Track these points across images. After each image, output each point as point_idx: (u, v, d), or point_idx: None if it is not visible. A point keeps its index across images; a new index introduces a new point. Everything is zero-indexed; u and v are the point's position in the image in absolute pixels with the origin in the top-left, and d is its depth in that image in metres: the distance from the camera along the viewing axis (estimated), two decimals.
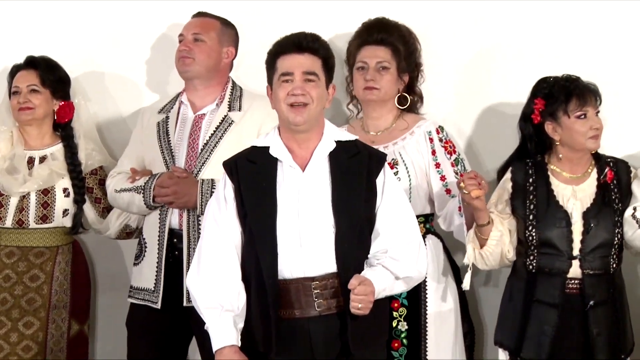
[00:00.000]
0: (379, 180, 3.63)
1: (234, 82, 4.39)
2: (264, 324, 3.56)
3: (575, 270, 3.98)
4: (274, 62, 3.62)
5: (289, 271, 3.56)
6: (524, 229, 4.03)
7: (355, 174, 3.61)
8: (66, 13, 4.75)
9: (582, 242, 3.98)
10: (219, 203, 3.64)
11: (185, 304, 4.19)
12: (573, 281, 3.99)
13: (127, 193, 4.32)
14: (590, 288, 3.97)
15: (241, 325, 3.59)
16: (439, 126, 4.29)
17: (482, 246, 4.04)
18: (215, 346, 3.56)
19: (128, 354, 4.36)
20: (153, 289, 4.26)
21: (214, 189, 4.17)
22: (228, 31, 4.38)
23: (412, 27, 4.43)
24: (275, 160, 3.61)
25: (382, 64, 4.28)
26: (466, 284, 4.12)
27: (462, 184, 3.92)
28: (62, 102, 4.53)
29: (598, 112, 4.03)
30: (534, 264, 4.02)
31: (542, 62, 4.47)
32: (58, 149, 4.52)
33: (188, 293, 4.15)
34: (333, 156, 3.62)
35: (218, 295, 3.57)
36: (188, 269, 4.09)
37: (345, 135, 3.70)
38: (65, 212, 4.47)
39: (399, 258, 3.59)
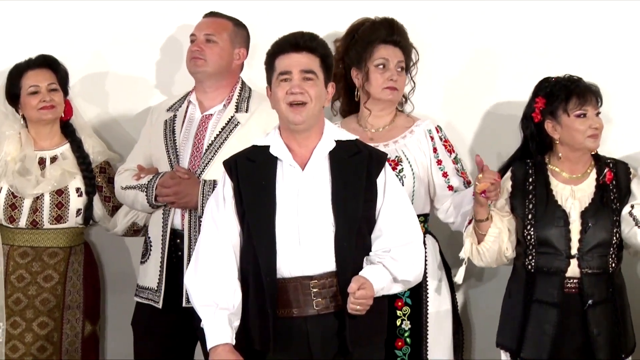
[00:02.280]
0: (379, 181, 3.67)
1: (243, 83, 4.44)
2: (261, 322, 3.61)
3: (573, 270, 4.04)
4: (273, 62, 3.67)
5: (287, 270, 3.61)
6: (522, 228, 4.10)
7: (355, 174, 3.65)
8: (73, 13, 4.81)
9: (580, 241, 4.03)
10: (218, 202, 3.69)
11: (184, 304, 4.26)
12: (572, 280, 4.04)
13: (132, 190, 4.39)
14: (589, 287, 4.02)
15: (237, 323, 3.66)
16: (438, 125, 4.38)
17: (479, 242, 4.11)
18: (209, 344, 3.61)
19: (135, 354, 4.46)
20: (156, 288, 4.33)
21: None
22: (240, 32, 4.42)
23: (408, 27, 4.47)
24: (275, 159, 3.67)
25: (401, 65, 4.35)
26: (459, 278, 4.18)
27: (480, 175, 3.97)
28: (66, 100, 4.61)
29: (599, 112, 4.09)
30: (533, 264, 4.08)
31: (540, 63, 4.52)
32: (67, 148, 4.60)
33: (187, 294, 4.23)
34: (333, 155, 3.67)
35: (213, 293, 3.63)
36: None
37: (346, 134, 3.75)
38: (78, 212, 4.56)
39: (399, 259, 3.64)
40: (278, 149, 3.67)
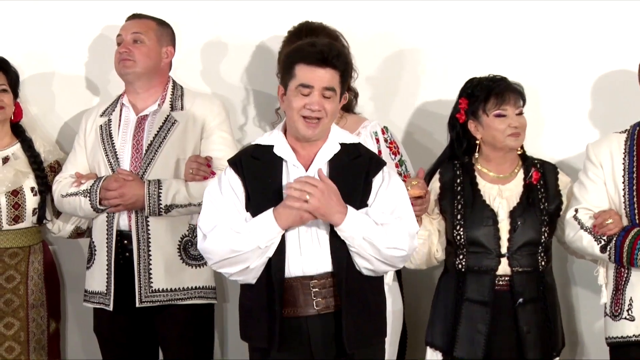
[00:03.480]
0: (375, 181, 3.68)
1: (174, 82, 4.51)
2: (269, 320, 3.64)
3: (504, 268, 4.12)
4: (292, 68, 3.64)
5: (288, 270, 3.65)
6: (452, 229, 4.18)
7: (354, 176, 3.68)
8: (15, 13, 4.87)
9: (509, 240, 4.12)
10: (223, 190, 3.69)
11: (137, 305, 4.33)
12: (502, 278, 4.13)
13: (74, 197, 4.44)
14: (520, 285, 4.11)
15: None
16: (384, 126, 4.41)
17: None
18: (270, 217, 3.59)
19: (103, 358, 4.55)
20: (105, 291, 4.38)
21: (161, 189, 4.33)
22: (165, 31, 4.49)
23: (339, 27, 4.52)
24: (280, 159, 3.69)
25: None
26: (389, 279, 4.25)
27: (414, 182, 4.07)
28: (16, 102, 4.66)
29: (521, 112, 4.16)
30: (464, 263, 4.17)
31: (473, 62, 4.60)
32: (17, 148, 4.64)
33: (140, 294, 4.35)
34: (335, 158, 3.70)
35: (232, 223, 3.63)
36: (139, 270, 4.33)
37: (349, 137, 3.77)
38: (34, 211, 4.62)
39: (386, 223, 3.63)
40: (282, 149, 3.69)
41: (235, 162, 3.71)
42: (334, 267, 3.63)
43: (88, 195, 4.38)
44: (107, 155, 4.42)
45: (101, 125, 4.46)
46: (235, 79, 4.76)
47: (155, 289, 4.35)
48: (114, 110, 4.48)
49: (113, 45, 4.49)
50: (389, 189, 3.68)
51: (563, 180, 4.22)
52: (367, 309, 3.67)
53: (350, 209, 3.59)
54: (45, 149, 4.66)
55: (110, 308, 4.36)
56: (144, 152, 4.37)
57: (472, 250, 4.15)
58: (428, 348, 4.25)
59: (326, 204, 3.57)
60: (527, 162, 4.20)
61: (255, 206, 3.64)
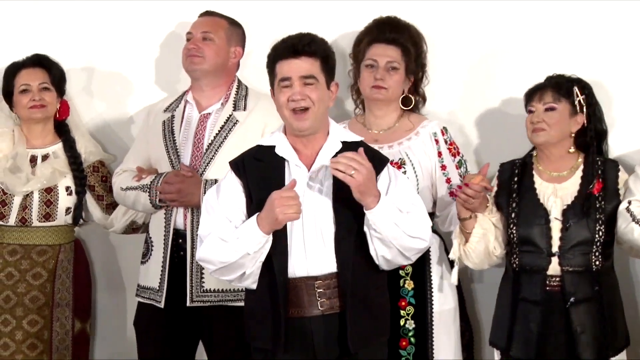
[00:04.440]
0: (381, 178, 3.67)
1: (239, 82, 4.53)
2: (273, 321, 3.64)
3: (554, 268, 4.11)
4: (273, 67, 3.70)
5: (293, 270, 3.65)
6: (507, 227, 4.19)
7: None
8: (71, 12, 4.88)
9: (561, 239, 4.11)
10: (220, 198, 3.69)
11: (188, 303, 4.34)
12: (554, 278, 4.12)
13: (133, 191, 4.45)
14: (571, 285, 4.09)
15: None
16: (444, 127, 4.41)
17: (466, 242, 4.19)
18: (254, 225, 3.58)
19: (138, 354, 4.51)
20: (158, 288, 4.39)
21: None
22: (236, 30, 4.51)
23: (417, 27, 4.54)
24: (282, 159, 3.71)
25: (392, 64, 4.36)
26: (454, 279, 4.26)
27: (477, 177, 4.07)
28: (62, 100, 4.65)
29: (550, 108, 4.15)
30: (517, 262, 4.17)
31: (545, 62, 4.56)
32: (59, 147, 4.67)
33: (192, 293, 4.34)
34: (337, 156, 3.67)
35: (222, 232, 3.64)
36: (192, 269, 4.31)
37: (351, 136, 3.79)
38: (67, 211, 4.63)
39: (410, 211, 3.64)
40: (284, 149, 3.71)
41: (237, 164, 3.73)
42: (339, 267, 3.64)
43: (148, 190, 4.39)
44: (168, 151, 4.43)
45: (164, 121, 4.48)
46: None
47: (206, 289, 4.33)
48: (177, 107, 4.50)
49: (183, 42, 4.52)
50: (397, 186, 3.69)
51: (623, 177, 4.20)
52: (370, 308, 3.67)
53: (382, 194, 3.59)
54: (87, 149, 4.68)
55: (162, 305, 4.36)
56: (205, 150, 4.38)
57: (525, 249, 4.14)
58: (494, 349, 4.25)
59: (367, 183, 3.57)
60: (588, 162, 4.18)
61: (257, 208, 3.64)
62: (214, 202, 3.70)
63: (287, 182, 3.66)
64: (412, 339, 4.29)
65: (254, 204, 3.65)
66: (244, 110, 4.42)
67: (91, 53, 4.86)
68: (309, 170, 3.68)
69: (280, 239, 3.63)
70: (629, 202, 4.08)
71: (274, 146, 3.72)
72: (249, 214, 3.66)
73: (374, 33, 4.45)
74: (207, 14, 4.51)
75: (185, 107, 4.47)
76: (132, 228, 4.63)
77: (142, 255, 4.49)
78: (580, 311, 4.08)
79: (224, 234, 3.62)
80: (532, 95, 4.18)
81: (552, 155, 4.19)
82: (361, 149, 3.61)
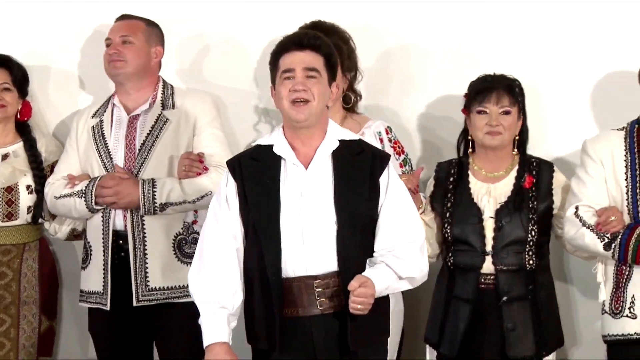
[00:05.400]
0: (382, 179, 3.70)
1: (164, 81, 4.58)
2: (267, 322, 3.66)
3: (488, 266, 4.17)
4: (277, 61, 3.71)
5: (291, 269, 3.65)
6: (441, 226, 4.24)
7: (358, 173, 3.70)
8: (10, 11, 4.91)
9: (494, 238, 4.16)
10: (220, 202, 3.73)
11: (135, 304, 4.37)
12: (487, 277, 4.17)
13: (68, 198, 4.49)
14: (504, 284, 4.15)
15: (234, 324, 3.69)
16: (388, 126, 4.45)
17: None
18: (206, 341, 3.66)
19: (97, 358, 4.58)
20: (102, 291, 4.42)
21: (155, 187, 4.39)
22: (154, 31, 4.56)
23: (346, 26, 4.54)
24: (278, 159, 3.71)
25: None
26: None
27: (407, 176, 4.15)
28: (24, 101, 4.71)
29: (506, 111, 4.18)
30: (452, 261, 4.23)
31: (481, 61, 4.58)
32: (19, 146, 4.71)
33: (137, 293, 4.40)
34: (336, 155, 3.71)
35: (215, 292, 3.68)
36: (135, 269, 4.38)
37: (349, 134, 3.79)
38: (29, 209, 4.68)
39: (403, 256, 3.67)
40: (281, 148, 3.71)
41: (234, 165, 3.75)
42: (340, 267, 3.64)
43: (83, 195, 4.42)
44: (100, 155, 4.47)
45: (93, 127, 4.53)
46: (247, 78, 4.81)
47: (152, 288, 4.39)
48: (105, 111, 4.55)
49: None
50: (395, 191, 3.71)
51: (558, 178, 4.26)
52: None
53: (370, 276, 3.60)
54: (48, 149, 4.72)
55: (108, 308, 4.40)
56: (137, 151, 4.43)
57: (459, 248, 4.20)
58: (427, 346, 4.31)
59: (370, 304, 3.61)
60: (524, 161, 4.23)
61: (252, 209, 3.67)
62: (217, 209, 3.73)
63: (282, 181, 3.68)
64: None
65: (249, 204, 3.68)
66: (173, 108, 4.47)
67: (46, 51, 4.91)
68: (306, 169, 3.70)
69: (273, 239, 3.65)
70: (577, 208, 4.09)
71: (272, 145, 3.73)
72: (242, 215, 3.69)
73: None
74: (124, 17, 4.55)
75: (113, 110, 4.51)
76: (74, 235, 4.65)
77: (82, 260, 4.53)
78: (512, 309, 4.14)
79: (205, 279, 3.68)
80: (486, 96, 4.18)
81: (495, 156, 4.23)
82: (354, 283, 3.57)
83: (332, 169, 3.69)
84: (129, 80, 4.48)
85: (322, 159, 3.70)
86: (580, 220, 4.06)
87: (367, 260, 3.67)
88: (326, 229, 3.65)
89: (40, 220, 4.66)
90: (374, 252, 3.69)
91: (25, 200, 4.60)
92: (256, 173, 3.70)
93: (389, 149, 4.35)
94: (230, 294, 3.67)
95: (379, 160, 3.72)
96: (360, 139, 3.80)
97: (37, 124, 4.77)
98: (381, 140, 4.37)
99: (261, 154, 3.73)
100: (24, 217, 4.61)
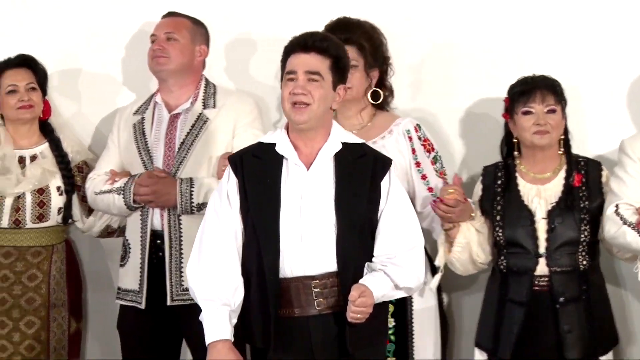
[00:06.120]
0: (383, 184, 3.73)
1: (207, 80, 4.57)
2: (264, 320, 3.67)
3: (542, 268, 4.18)
4: (285, 61, 3.73)
5: (289, 269, 3.67)
6: (493, 230, 4.25)
7: (359, 176, 3.71)
8: (43, 12, 4.87)
9: (547, 240, 4.17)
10: (222, 197, 3.75)
11: (169, 303, 4.39)
12: (542, 279, 4.18)
13: (107, 195, 4.50)
14: (559, 285, 4.16)
15: (234, 321, 3.69)
16: (417, 124, 4.42)
17: (451, 249, 4.27)
18: (208, 339, 3.67)
19: (122, 356, 4.58)
20: (138, 289, 4.44)
21: (193, 187, 4.39)
22: (199, 30, 4.56)
23: (377, 23, 4.52)
24: (280, 158, 3.73)
25: (350, 63, 4.32)
26: (434, 284, 4.31)
27: (450, 190, 4.13)
28: (45, 100, 4.71)
29: (551, 110, 4.20)
30: (505, 264, 4.23)
31: (519, 62, 4.62)
32: (46, 147, 4.70)
33: (172, 292, 4.41)
34: (338, 157, 3.73)
35: (216, 288, 3.68)
36: (171, 269, 4.38)
37: (353, 137, 3.81)
38: (59, 211, 4.68)
39: (402, 265, 3.69)
40: (284, 147, 3.72)
41: (235, 161, 3.76)
42: (339, 268, 3.66)
43: (122, 192, 4.43)
44: (140, 153, 4.48)
45: (134, 124, 4.53)
46: (270, 76, 4.76)
47: (186, 288, 4.36)
48: (147, 109, 4.55)
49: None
50: (396, 197, 3.72)
51: (607, 176, 4.27)
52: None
53: (368, 284, 3.61)
54: (73, 149, 4.72)
55: (143, 306, 4.41)
56: (177, 150, 4.43)
57: (512, 251, 4.21)
58: (476, 348, 4.32)
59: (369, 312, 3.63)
60: (571, 161, 4.25)
61: (252, 207, 3.69)
62: (218, 204, 3.74)
63: (283, 181, 3.69)
64: (392, 337, 4.30)
65: (249, 202, 3.69)
66: (214, 107, 4.47)
67: (67, 53, 4.88)
68: (307, 170, 3.70)
69: (271, 238, 3.66)
70: (617, 206, 4.10)
71: (275, 143, 3.74)
72: (242, 212, 3.70)
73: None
74: (170, 14, 4.55)
75: (154, 108, 4.52)
76: (108, 232, 4.67)
77: (121, 258, 4.54)
78: (568, 311, 4.15)
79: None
80: (530, 96, 4.19)
81: (543, 156, 4.24)
82: (354, 292, 3.58)
83: (333, 171, 3.70)
84: (171, 77, 4.48)
85: (324, 161, 3.72)
86: (621, 219, 4.07)
87: (366, 265, 3.68)
88: (325, 230, 3.66)
89: (69, 221, 4.66)
90: (373, 255, 3.70)
91: (56, 201, 4.60)
92: (258, 171, 3.71)
93: (418, 147, 4.36)
94: (231, 291, 3.67)
95: (380, 164, 3.74)
96: (363, 142, 3.82)
97: (59, 125, 4.75)
98: (410, 138, 4.36)
99: (263, 152, 3.74)
100: (54, 218, 4.61)
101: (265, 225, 3.67)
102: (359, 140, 3.81)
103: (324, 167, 3.71)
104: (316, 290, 3.65)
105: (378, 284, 3.64)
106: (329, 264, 3.66)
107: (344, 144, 3.74)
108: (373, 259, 3.70)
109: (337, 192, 3.68)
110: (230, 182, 3.73)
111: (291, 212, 3.67)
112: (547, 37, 4.64)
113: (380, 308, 3.72)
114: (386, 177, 3.73)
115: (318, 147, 3.72)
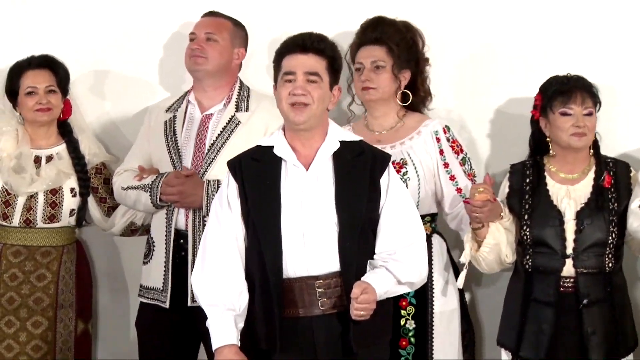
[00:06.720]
0: (383, 180, 3.76)
1: (241, 83, 4.58)
2: (268, 322, 3.69)
3: (569, 269, 4.18)
4: (280, 62, 3.77)
5: (292, 270, 3.69)
6: (519, 229, 4.24)
7: (359, 174, 3.74)
8: (74, 12, 4.89)
9: (575, 241, 4.17)
10: (222, 203, 3.78)
11: (189, 303, 4.38)
12: (567, 280, 4.18)
13: (134, 191, 4.49)
14: (585, 287, 4.16)
15: (241, 325, 3.73)
16: (446, 125, 4.44)
17: (478, 248, 4.23)
18: (215, 344, 3.70)
19: (139, 354, 4.57)
20: (162, 288, 4.44)
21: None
22: (239, 32, 4.56)
23: (415, 24, 4.55)
24: (279, 160, 3.76)
25: (377, 63, 4.41)
26: (460, 282, 4.33)
27: (480, 189, 4.11)
28: (65, 100, 4.71)
29: (589, 113, 4.21)
30: (530, 263, 4.23)
31: (548, 62, 4.63)
32: (63, 148, 4.71)
33: (193, 293, 4.32)
34: (337, 156, 3.76)
35: (220, 293, 3.72)
36: (192, 269, 4.24)
37: (350, 135, 3.85)
38: (72, 212, 4.68)
39: (403, 260, 3.72)
40: (282, 149, 3.76)
41: (234, 165, 3.78)
42: (342, 267, 3.68)
43: (149, 190, 4.42)
44: (169, 151, 4.47)
45: (166, 121, 4.52)
46: None
47: None
48: (179, 107, 4.54)
49: (179, 45, 4.56)
50: (395, 193, 3.74)
51: (636, 177, 4.27)
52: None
53: (371, 281, 3.63)
54: (91, 151, 4.71)
55: (167, 305, 4.40)
56: (206, 151, 4.43)
57: (538, 251, 4.20)
58: (502, 350, 4.31)
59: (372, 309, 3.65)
60: (600, 162, 4.26)
61: (253, 209, 3.71)
62: (219, 210, 3.76)
63: (282, 182, 3.71)
64: (412, 339, 4.32)
65: (249, 205, 3.71)
66: (247, 111, 4.46)
67: (95, 53, 4.90)
68: (307, 170, 3.72)
69: (273, 240, 3.68)
70: None
71: (273, 146, 3.76)
72: (244, 216, 3.72)
73: (360, 37, 4.51)
74: (211, 14, 4.55)
75: (187, 107, 4.51)
76: (131, 230, 4.67)
77: (144, 255, 4.54)
78: (592, 312, 4.15)
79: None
80: (570, 97, 4.19)
81: (575, 157, 4.24)
82: (356, 290, 3.59)
83: (332, 170, 3.72)
84: (207, 78, 4.47)
85: (323, 160, 3.74)
86: None
87: (368, 262, 3.71)
88: (327, 229, 3.68)
89: (83, 223, 4.66)
90: (374, 253, 3.72)
91: (69, 203, 4.60)
92: (257, 174, 3.74)
93: (446, 148, 4.37)
94: (236, 295, 3.70)
95: (379, 161, 3.76)
96: (361, 140, 3.83)
97: (80, 126, 4.75)
98: (438, 140, 4.37)
99: (262, 155, 3.77)
100: (65, 219, 4.61)
101: (266, 227, 3.69)
102: (357, 138, 3.83)
103: (323, 167, 3.73)
104: (320, 290, 3.67)
105: (380, 280, 3.66)
106: (332, 263, 3.68)
107: (342, 142, 3.77)
108: (374, 256, 3.73)
109: (337, 192, 3.70)
110: (230, 187, 3.76)
111: (292, 213, 3.70)
112: (576, 37, 4.62)
113: (384, 307, 3.73)
114: (385, 174, 3.75)
115: (316, 147, 3.75)
